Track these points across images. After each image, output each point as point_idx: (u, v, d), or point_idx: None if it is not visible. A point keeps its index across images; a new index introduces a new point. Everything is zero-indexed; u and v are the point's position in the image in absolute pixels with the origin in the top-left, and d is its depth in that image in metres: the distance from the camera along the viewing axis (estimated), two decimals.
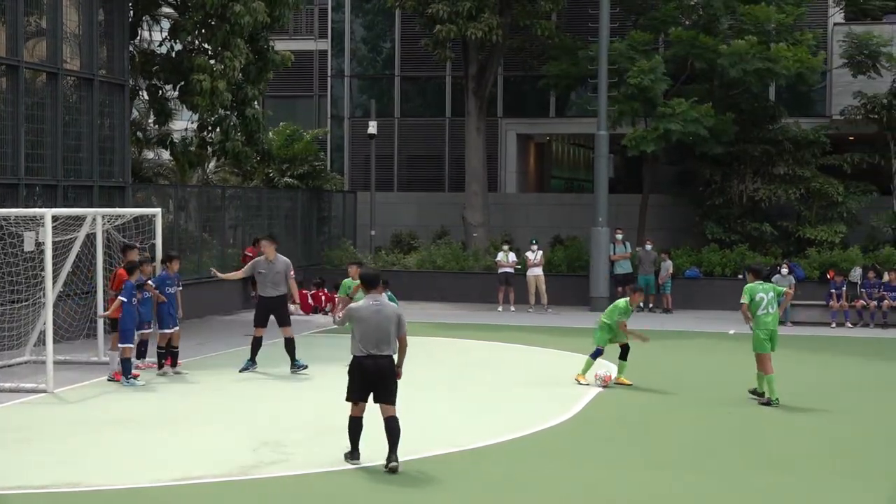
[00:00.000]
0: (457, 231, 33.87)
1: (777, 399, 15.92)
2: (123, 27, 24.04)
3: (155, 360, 18.30)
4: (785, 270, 27.08)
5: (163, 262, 18.70)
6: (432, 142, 37.37)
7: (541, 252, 29.45)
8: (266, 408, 15.50)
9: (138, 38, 27.06)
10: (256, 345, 18.55)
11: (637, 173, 35.67)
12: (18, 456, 12.42)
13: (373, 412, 11.84)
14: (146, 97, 28.46)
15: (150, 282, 17.74)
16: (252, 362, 18.50)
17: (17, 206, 19.72)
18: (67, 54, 22.50)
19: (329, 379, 17.78)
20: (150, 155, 31.84)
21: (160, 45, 27.67)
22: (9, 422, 14.36)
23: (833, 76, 33.15)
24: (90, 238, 19.14)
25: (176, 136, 28.83)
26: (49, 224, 16.48)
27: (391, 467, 11.40)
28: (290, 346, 18.39)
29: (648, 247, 29.22)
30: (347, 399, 11.82)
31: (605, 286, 29.11)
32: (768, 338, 16.18)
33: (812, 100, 34.77)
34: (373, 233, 34.45)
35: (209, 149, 28.21)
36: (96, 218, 18.94)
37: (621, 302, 17.68)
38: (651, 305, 29.04)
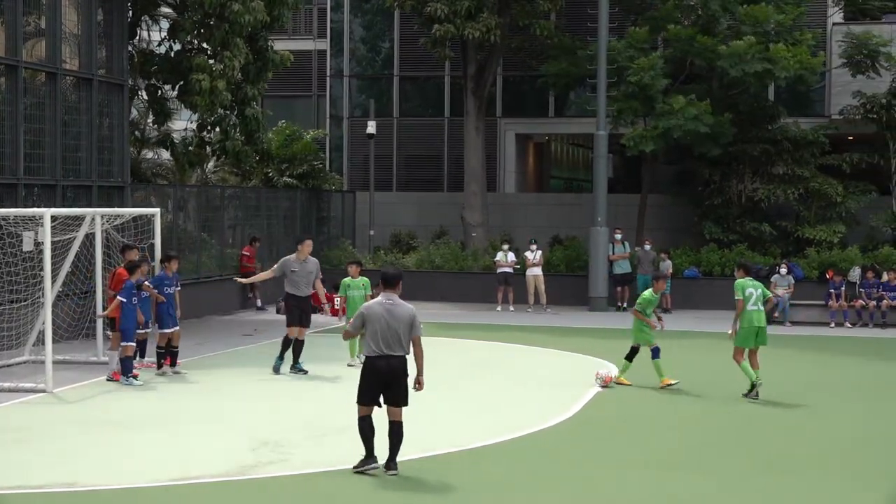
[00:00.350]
0: (456, 231, 33.86)
1: (758, 380, 16.34)
2: (122, 27, 24.03)
3: (153, 359, 18.30)
4: (784, 270, 27.10)
5: (161, 262, 18.69)
6: (431, 142, 37.35)
7: (540, 252, 29.45)
8: (265, 408, 15.48)
9: (137, 37, 27.04)
10: (298, 346, 18.27)
11: (636, 173, 35.67)
12: (17, 455, 12.40)
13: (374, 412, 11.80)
14: (145, 97, 28.45)
15: (147, 282, 17.71)
16: (297, 363, 18.23)
17: (16, 206, 19.72)
18: (66, 54, 22.49)
19: (329, 379, 17.80)
20: (149, 155, 31.82)
21: (159, 44, 27.66)
22: (8, 421, 14.34)
23: (832, 76, 33.15)
24: (89, 238, 19.12)
25: (176, 136, 28.82)
26: (48, 224, 16.47)
27: (390, 474, 11.23)
28: (298, 347, 18.33)
29: (647, 247, 29.21)
30: (359, 401, 11.45)
31: (604, 286, 29.11)
32: (754, 334, 16.45)
33: (811, 100, 34.77)
34: (372, 233, 34.45)
35: (208, 148, 28.19)
36: (95, 218, 18.93)
37: (647, 293, 17.49)
38: None
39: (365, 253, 32.53)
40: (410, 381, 11.48)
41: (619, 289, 29.28)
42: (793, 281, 27.19)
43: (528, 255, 29.29)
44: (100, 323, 18.98)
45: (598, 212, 29.16)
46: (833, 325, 26.51)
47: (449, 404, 15.33)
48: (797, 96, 34.37)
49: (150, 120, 29.51)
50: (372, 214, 34.38)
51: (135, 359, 17.37)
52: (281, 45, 30.67)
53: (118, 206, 22.70)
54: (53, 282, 17.49)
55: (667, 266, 28.77)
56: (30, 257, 18.75)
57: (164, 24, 27.78)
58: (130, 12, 25.57)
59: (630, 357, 17.52)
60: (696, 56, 30.49)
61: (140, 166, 29.28)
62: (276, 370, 18.24)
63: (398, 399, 11.37)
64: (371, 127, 34.49)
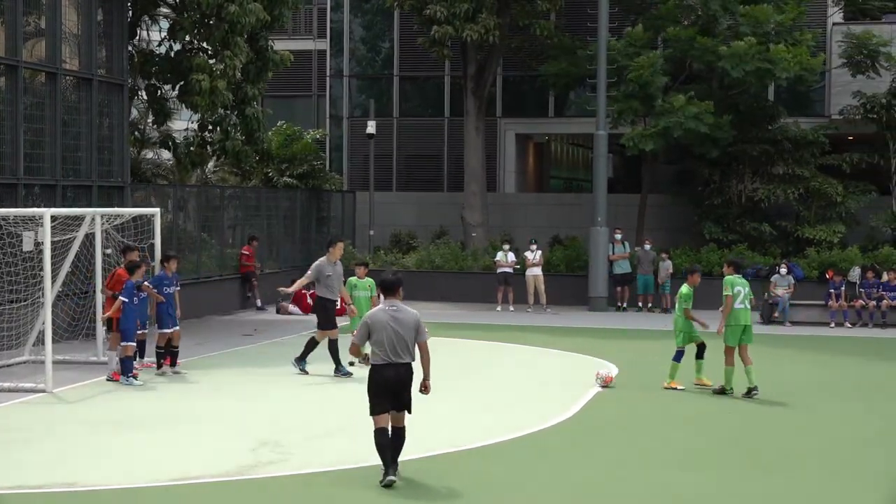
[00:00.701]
0: (456, 231, 33.86)
1: (731, 389, 16.48)
2: (122, 27, 24.02)
3: (153, 359, 18.29)
4: (784, 270, 27.10)
5: (161, 262, 18.68)
6: (431, 142, 37.35)
7: (540, 252, 29.45)
8: (265, 408, 15.48)
9: (137, 37, 27.03)
10: (334, 348, 18.04)
11: (636, 173, 35.67)
12: (17, 455, 12.40)
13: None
14: (145, 97, 28.44)
15: (146, 283, 17.69)
16: (340, 366, 18.01)
17: (16, 206, 19.71)
18: (66, 54, 22.48)
19: (329, 379, 17.78)
20: (149, 155, 31.82)
21: (159, 44, 27.65)
22: (8, 421, 14.34)
23: (832, 76, 33.14)
24: (89, 238, 19.12)
25: (177, 136, 28.81)
26: (48, 224, 16.47)
27: (388, 481, 10.98)
28: (311, 346, 18.22)
29: (647, 246, 29.20)
30: (372, 413, 11.17)
31: (603, 286, 29.12)
32: (741, 332, 16.49)
33: (811, 100, 34.76)
34: (372, 233, 34.44)
35: (209, 148, 28.19)
36: (95, 218, 18.93)
37: (684, 289, 17.28)
38: (650, 305, 29.03)
39: (365, 253, 32.52)
40: (415, 386, 11.39)
41: (619, 289, 29.28)
42: (793, 281, 27.19)
43: (528, 255, 29.28)
44: (100, 323, 18.97)
45: (598, 212, 29.16)
46: (833, 325, 26.50)
47: (449, 404, 15.33)
48: (797, 96, 34.37)
49: (150, 120, 29.50)
50: (372, 214, 34.38)
51: (135, 359, 17.37)
52: (281, 45, 30.67)
53: (118, 206, 22.69)
54: (53, 282, 17.49)
55: (667, 266, 28.77)
56: (30, 257, 18.75)
57: (164, 24, 27.77)
58: (130, 12, 25.56)
59: (700, 354, 17.10)
60: (697, 58, 30.49)
61: (140, 166, 29.26)
62: (304, 370, 18.05)
63: (402, 406, 11.22)
64: (371, 127, 34.49)
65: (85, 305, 20.61)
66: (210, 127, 27.07)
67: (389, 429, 11.18)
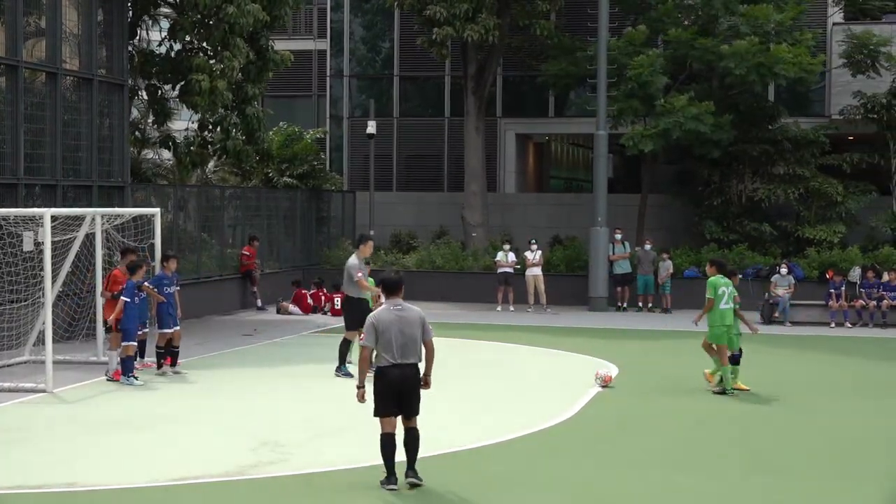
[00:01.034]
0: (456, 231, 33.87)
1: (732, 389, 16.51)
2: (122, 27, 24.02)
3: (153, 359, 18.29)
4: (784, 270, 27.09)
5: (160, 262, 18.68)
6: (431, 142, 37.36)
7: (540, 252, 29.45)
8: (265, 408, 15.48)
9: (137, 37, 27.03)
10: (344, 348, 17.93)
11: (636, 173, 35.68)
12: (17, 455, 12.41)
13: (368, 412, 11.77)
14: (145, 97, 28.44)
15: (146, 283, 17.69)
16: (343, 366, 17.88)
17: (16, 206, 19.71)
18: (67, 54, 22.48)
19: (329, 379, 17.78)
20: (149, 155, 31.81)
21: (159, 44, 27.65)
22: (8, 421, 14.35)
23: (832, 76, 33.15)
24: (89, 238, 19.12)
25: (178, 136, 28.80)
26: (48, 224, 16.47)
27: (410, 482, 10.98)
28: (345, 348, 18.04)
29: (648, 247, 29.19)
30: (377, 415, 11.10)
31: (603, 286, 29.12)
32: (726, 332, 16.56)
33: (811, 99, 34.77)
34: (372, 232, 34.35)
35: (209, 148, 28.19)
36: (95, 218, 18.93)
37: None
38: (650, 305, 29.03)
39: None
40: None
41: (619, 289, 29.27)
42: (793, 281, 27.18)
43: (528, 255, 29.28)
44: (100, 323, 18.97)
45: (598, 212, 29.16)
46: (833, 325, 26.49)
47: (449, 404, 15.33)
48: (797, 96, 34.38)
49: (150, 120, 29.50)
50: (372, 214, 34.37)
51: (135, 359, 17.37)
52: (281, 45, 30.68)
53: (118, 206, 22.69)
54: (53, 282, 17.49)
55: (667, 266, 28.77)
56: (30, 257, 18.75)
57: (164, 24, 27.77)
58: (130, 12, 25.56)
59: (736, 361, 16.96)
60: (697, 59, 30.49)
61: (140, 166, 29.26)
62: (349, 373, 17.54)
63: (411, 409, 11.14)
64: (371, 127, 34.48)
65: (85, 305, 20.60)
66: (210, 127, 27.08)
67: (397, 433, 11.09)
